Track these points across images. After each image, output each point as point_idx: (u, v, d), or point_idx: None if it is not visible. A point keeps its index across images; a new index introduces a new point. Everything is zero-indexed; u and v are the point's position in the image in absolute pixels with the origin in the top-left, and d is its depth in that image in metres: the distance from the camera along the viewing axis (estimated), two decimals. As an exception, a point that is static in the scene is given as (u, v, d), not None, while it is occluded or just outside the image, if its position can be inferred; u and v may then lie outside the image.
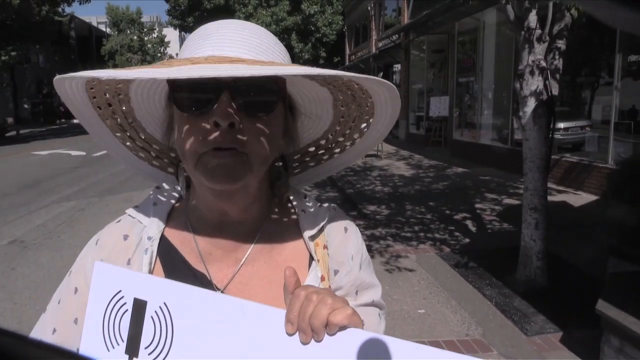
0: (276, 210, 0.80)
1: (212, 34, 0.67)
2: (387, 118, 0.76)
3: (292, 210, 0.80)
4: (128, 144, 0.81)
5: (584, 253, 4.82)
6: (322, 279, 0.74)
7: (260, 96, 0.65)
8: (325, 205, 0.82)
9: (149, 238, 0.73)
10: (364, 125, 0.79)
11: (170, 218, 0.77)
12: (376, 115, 0.76)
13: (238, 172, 0.65)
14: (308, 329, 0.54)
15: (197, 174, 0.66)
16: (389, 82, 0.68)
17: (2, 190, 9.48)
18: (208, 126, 0.63)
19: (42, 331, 0.73)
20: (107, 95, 0.72)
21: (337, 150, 0.85)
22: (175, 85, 0.65)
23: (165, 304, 0.60)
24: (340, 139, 0.83)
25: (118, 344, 0.61)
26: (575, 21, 3.86)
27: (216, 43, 0.65)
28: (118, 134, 0.79)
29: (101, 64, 46.75)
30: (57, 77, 0.63)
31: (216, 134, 0.63)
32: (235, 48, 0.65)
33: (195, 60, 0.61)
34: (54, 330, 0.72)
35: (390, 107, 0.73)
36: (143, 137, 0.81)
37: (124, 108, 0.75)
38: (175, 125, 0.69)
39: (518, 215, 4.45)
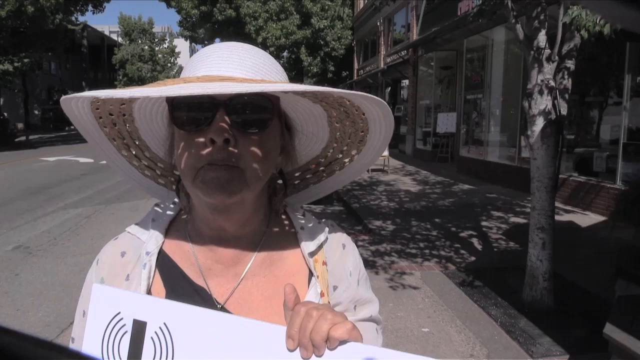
0: (275, 225, 0.81)
1: (210, 55, 0.70)
2: (382, 133, 0.78)
3: (291, 227, 0.81)
4: (134, 162, 0.84)
5: (591, 274, 4.76)
6: (322, 294, 0.75)
7: (254, 113, 0.67)
8: (323, 221, 0.84)
9: (147, 253, 0.74)
10: (360, 141, 0.80)
11: (169, 233, 0.78)
12: (370, 131, 0.78)
13: (233, 186, 0.67)
14: (309, 344, 0.55)
15: (195, 188, 0.68)
16: (378, 98, 0.70)
17: (8, 196, 9.54)
18: (205, 143, 0.65)
19: None
20: (113, 115, 0.75)
21: (337, 167, 0.86)
22: (174, 105, 0.68)
23: (165, 324, 0.60)
24: (339, 156, 0.84)
25: None
26: (585, 41, 3.86)
27: (211, 64, 0.68)
28: (125, 154, 0.82)
29: (112, 72, 47.39)
30: (63, 98, 0.68)
31: (211, 149, 0.65)
32: (229, 67, 0.67)
33: (188, 80, 0.63)
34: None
35: (384, 122, 0.75)
36: (148, 156, 0.83)
37: (128, 128, 0.78)
38: (175, 142, 0.72)
39: (525, 234, 4.41)
